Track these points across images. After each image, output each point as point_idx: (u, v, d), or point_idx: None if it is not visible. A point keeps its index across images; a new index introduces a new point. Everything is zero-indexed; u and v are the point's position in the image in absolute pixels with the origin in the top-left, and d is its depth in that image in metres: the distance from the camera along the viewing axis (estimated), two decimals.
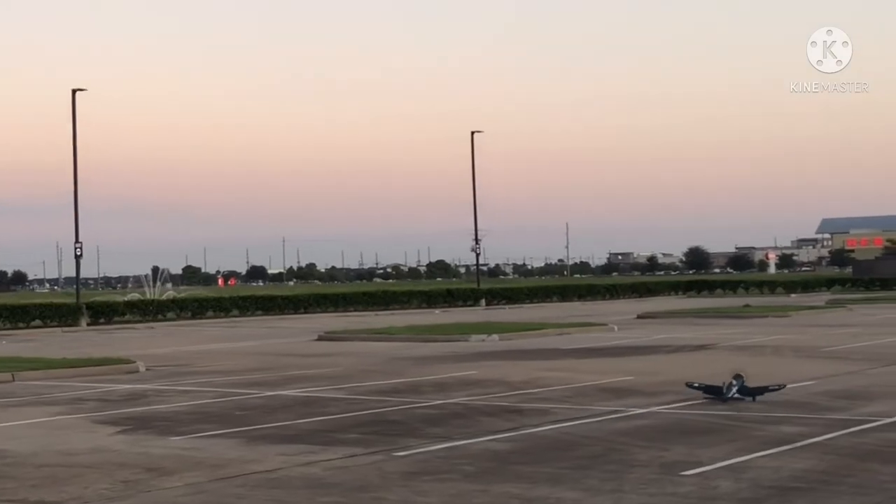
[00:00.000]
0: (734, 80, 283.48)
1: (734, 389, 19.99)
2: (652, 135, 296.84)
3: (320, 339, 41.52)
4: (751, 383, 20.23)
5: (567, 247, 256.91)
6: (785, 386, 21.00)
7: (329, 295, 72.63)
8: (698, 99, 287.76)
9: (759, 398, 19.90)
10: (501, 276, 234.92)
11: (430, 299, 74.87)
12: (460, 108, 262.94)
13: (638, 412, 18.66)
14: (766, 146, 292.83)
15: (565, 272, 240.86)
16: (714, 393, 20.26)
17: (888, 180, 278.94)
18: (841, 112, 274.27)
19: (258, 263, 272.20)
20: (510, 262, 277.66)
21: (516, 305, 76.19)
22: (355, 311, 67.72)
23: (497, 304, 77.08)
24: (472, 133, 78.31)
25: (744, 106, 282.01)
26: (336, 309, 67.65)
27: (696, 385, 20.88)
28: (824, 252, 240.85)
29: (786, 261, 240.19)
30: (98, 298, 66.13)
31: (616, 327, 44.23)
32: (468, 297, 76.71)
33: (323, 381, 24.99)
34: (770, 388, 20.56)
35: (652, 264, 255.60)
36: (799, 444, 14.96)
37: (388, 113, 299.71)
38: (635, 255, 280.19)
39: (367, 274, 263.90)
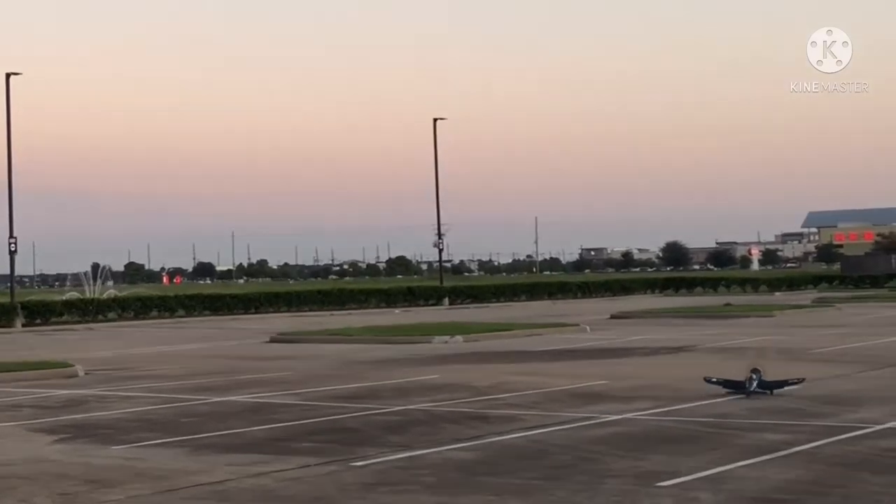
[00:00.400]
0: (734, 79, 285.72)
1: (754, 384, 20.32)
2: (627, 125, 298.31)
3: (272, 340, 41.46)
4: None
5: (536, 242, 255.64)
6: (804, 380, 21.43)
7: (282, 294, 72.62)
8: (686, 92, 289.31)
9: (777, 392, 20.44)
10: (466, 273, 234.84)
11: (390, 298, 74.87)
12: (422, 96, 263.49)
13: (612, 419, 18.71)
14: (750, 137, 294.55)
15: (534, 269, 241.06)
16: (735, 387, 20.69)
17: (877, 171, 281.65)
18: (838, 110, 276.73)
19: (206, 260, 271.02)
20: (475, 258, 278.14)
21: (482, 304, 76.24)
22: (310, 310, 67.66)
23: (461, 302, 77.14)
24: (435, 121, 78.24)
25: (742, 105, 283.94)
26: (289, 308, 67.65)
27: (715, 380, 21.39)
28: (811, 247, 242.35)
29: (770, 257, 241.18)
30: (34, 298, 65.94)
31: (589, 328, 44.30)
32: (430, 296, 76.74)
33: (275, 386, 24.94)
34: (789, 381, 21.03)
35: (627, 260, 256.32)
36: (784, 452, 15.04)
37: (345, 101, 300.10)
38: (609, 251, 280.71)
39: (323, 271, 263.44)
